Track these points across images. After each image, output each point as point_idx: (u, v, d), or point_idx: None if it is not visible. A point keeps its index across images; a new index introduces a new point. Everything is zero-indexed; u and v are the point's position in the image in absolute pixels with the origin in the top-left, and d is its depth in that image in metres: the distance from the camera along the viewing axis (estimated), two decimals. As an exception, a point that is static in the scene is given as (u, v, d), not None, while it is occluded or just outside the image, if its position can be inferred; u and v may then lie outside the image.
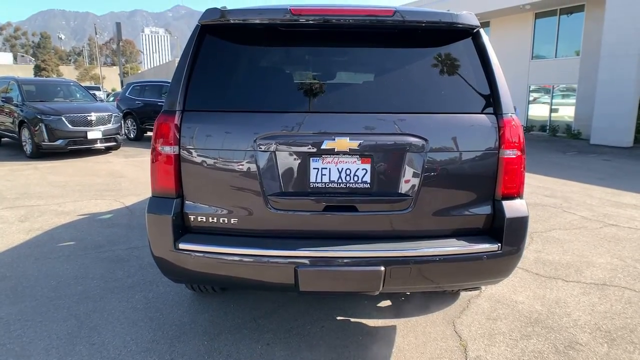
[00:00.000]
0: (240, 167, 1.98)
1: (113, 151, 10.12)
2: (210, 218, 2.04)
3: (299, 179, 1.98)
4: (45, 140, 8.69)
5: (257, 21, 1.97)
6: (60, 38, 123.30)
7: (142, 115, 12.20)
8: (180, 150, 1.99)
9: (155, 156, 2.03)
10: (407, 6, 17.46)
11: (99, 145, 9.41)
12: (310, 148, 1.94)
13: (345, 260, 1.91)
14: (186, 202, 2.04)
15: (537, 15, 19.05)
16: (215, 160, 2.00)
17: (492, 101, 2.04)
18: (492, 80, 2.04)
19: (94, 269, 3.42)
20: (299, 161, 1.96)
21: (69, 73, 71.77)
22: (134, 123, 12.40)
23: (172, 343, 2.43)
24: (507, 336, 2.53)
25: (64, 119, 8.76)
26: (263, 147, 1.94)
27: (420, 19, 1.99)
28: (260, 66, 2.14)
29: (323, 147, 1.92)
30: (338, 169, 1.97)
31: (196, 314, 2.75)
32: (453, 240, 2.02)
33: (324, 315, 2.73)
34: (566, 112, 17.60)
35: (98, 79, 59.69)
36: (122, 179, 7.05)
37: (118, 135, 9.82)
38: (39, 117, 8.68)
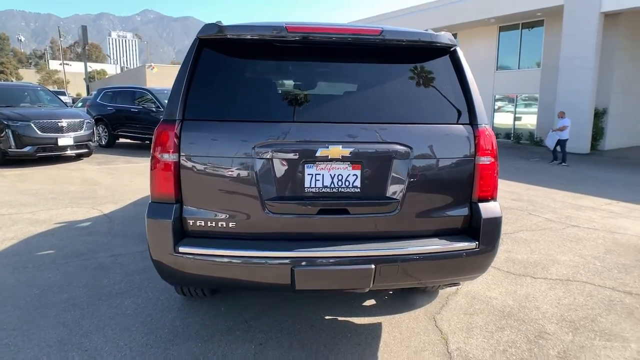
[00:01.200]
0: (239, 173, 2.09)
1: (85, 158, 9.89)
2: (208, 222, 2.13)
3: (295, 184, 2.11)
4: (12, 147, 8.43)
5: (254, 37, 2.09)
6: (20, 40, 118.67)
7: (114, 121, 11.98)
8: (179, 158, 2.08)
9: (155, 163, 2.11)
10: (387, 24, 17.93)
11: (69, 152, 9.19)
12: (305, 155, 2.07)
13: (338, 260, 2.04)
14: (185, 207, 2.13)
15: (501, 29, 19.95)
16: (214, 167, 2.10)
17: (468, 113, 2.24)
18: (467, 93, 2.24)
19: (78, 277, 3.41)
20: (295, 167, 2.09)
21: (29, 77, 69.07)
22: (106, 129, 12.15)
23: (167, 346, 2.48)
24: (483, 329, 2.73)
25: (32, 124, 8.52)
26: (260, 155, 2.06)
27: (402, 38, 2.17)
28: (257, 78, 2.26)
29: (317, 154, 2.06)
30: (331, 174, 2.11)
31: (187, 318, 2.81)
32: (435, 240, 2.19)
33: (312, 315, 2.85)
34: (529, 120, 18.47)
35: (62, 83, 57.71)
36: (97, 186, 6.94)
37: (90, 142, 9.63)
38: (5, 122, 8.41)
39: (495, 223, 2.21)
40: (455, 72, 2.26)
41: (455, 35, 22.29)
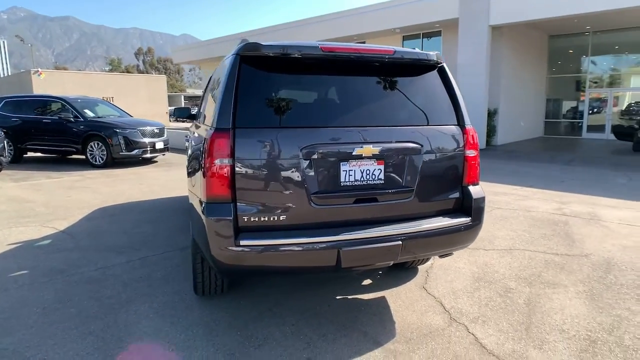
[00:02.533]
0: (287, 173, 2.41)
1: (-7, 176, 8.92)
2: (260, 217, 2.41)
3: (333, 180, 2.48)
4: None
5: (292, 55, 2.44)
6: None
7: (20, 134, 10.88)
8: (234, 162, 2.34)
9: (210, 168, 2.33)
10: (302, 32, 18.43)
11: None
12: (342, 155, 2.46)
13: (373, 239, 2.47)
14: (238, 205, 2.38)
15: (405, 37, 21.87)
16: (264, 169, 2.39)
17: (456, 115, 2.82)
18: (455, 100, 2.82)
19: (75, 292, 3.35)
20: (333, 165, 2.47)
21: None
22: (10, 143, 10.97)
23: (208, 338, 2.68)
24: (464, 291, 3.35)
25: None
26: (306, 156, 2.41)
27: (406, 56, 2.68)
28: (294, 89, 2.59)
29: (354, 153, 2.46)
30: (360, 170, 2.53)
31: (213, 313, 3.00)
32: (440, 218, 2.73)
33: (325, 298, 3.22)
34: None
35: None
36: (31, 204, 6.43)
37: (2, 157, 8.73)
38: None
39: (482, 201, 2.82)
40: (443, 83, 2.82)
41: (363, 42, 23.92)
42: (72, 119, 10.29)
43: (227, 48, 26.42)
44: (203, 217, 2.37)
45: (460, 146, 2.78)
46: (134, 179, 8.69)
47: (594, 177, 8.91)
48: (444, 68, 2.85)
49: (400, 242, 2.51)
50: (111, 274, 3.72)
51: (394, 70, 2.75)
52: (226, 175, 2.33)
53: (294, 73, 2.58)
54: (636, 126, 15.29)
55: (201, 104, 4.34)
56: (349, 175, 2.50)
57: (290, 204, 2.44)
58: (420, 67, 2.80)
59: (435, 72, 2.84)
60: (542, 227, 5.14)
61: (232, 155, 2.33)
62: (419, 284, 3.49)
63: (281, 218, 2.43)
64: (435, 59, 2.81)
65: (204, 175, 2.38)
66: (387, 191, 2.58)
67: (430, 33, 20.89)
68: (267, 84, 2.50)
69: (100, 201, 6.53)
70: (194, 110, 5.20)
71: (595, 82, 20.26)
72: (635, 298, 3.20)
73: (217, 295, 3.23)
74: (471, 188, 2.82)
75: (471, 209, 2.78)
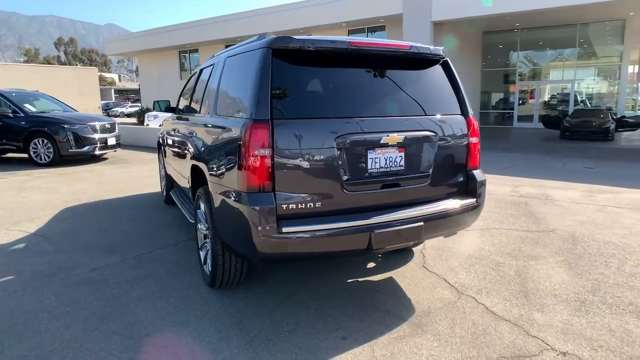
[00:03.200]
0: (322, 162, 2.51)
1: None
2: (298, 205, 2.49)
3: (362, 167, 2.62)
4: None
5: (322, 48, 2.54)
6: None
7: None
8: (273, 152, 2.40)
9: (249, 158, 2.37)
10: (244, 23, 18.18)
11: None
12: (370, 143, 2.61)
13: (400, 221, 2.65)
14: (277, 194, 2.44)
15: (350, 32, 22.31)
16: (301, 158, 2.47)
17: (460, 106, 3.06)
18: (458, 91, 3.06)
19: (78, 294, 3.21)
20: (362, 153, 2.60)
21: None
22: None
23: (240, 327, 2.72)
24: (461, 267, 3.65)
25: None
26: (340, 145, 2.52)
27: (420, 50, 2.86)
28: (325, 82, 2.67)
29: (381, 141, 2.62)
30: (385, 157, 2.69)
31: (234, 303, 3.03)
32: (451, 200, 2.97)
33: (338, 283, 3.37)
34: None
35: None
36: (-17, 207, 5.89)
37: None
38: None
39: (484, 184, 3.10)
40: (448, 75, 3.05)
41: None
42: (10, 114, 9.44)
43: (166, 39, 25.32)
44: (242, 206, 2.41)
45: (465, 134, 3.03)
46: (91, 177, 8.21)
47: (534, 162, 9.81)
48: (448, 62, 3.08)
49: (422, 223, 2.71)
50: (109, 273, 3.58)
51: (409, 63, 2.94)
52: (267, 165, 2.39)
53: (323, 66, 2.68)
54: (561, 116, 16.95)
55: (191, 96, 4.25)
56: (375, 162, 2.66)
57: (325, 192, 2.54)
58: (430, 61, 3.00)
59: (440, 66, 3.05)
60: (507, 207, 5.64)
61: (271, 145, 2.39)
62: (418, 264, 3.74)
63: (317, 205, 2.53)
64: (442, 53, 3.02)
65: (242, 166, 2.41)
66: (407, 176, 2.77)
67: (374, 28, 21.51)
68: (298, 76, 2.58)
69: (62, 201, 6.13)
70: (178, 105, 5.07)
71: (520, 76, 22.01)
72: (604, 264, 3.68)
73: (231, 287, 3.25)
74: (475, 172, 3.09)
75: (476, 191, 3.05)
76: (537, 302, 3.03)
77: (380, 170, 2.69)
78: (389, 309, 2.96)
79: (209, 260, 3.18)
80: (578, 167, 9.02)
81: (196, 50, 29.84)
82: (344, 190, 2.58)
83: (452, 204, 2.93)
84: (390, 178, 2.72)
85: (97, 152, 9.95)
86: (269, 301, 3.07)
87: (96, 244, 4.33)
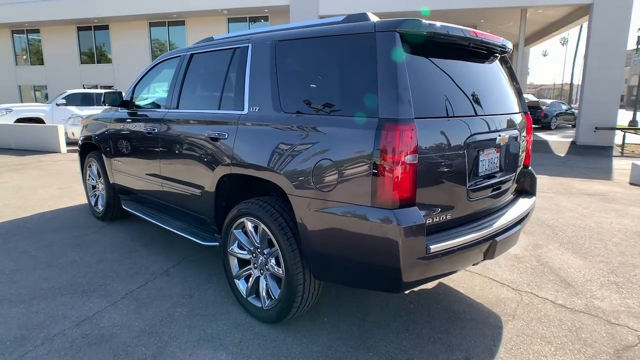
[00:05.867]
0: (455, 166, 2.21)
1: None
2: (433, 218, 2.15)
3: (477, 171, 2.40)
4: None
5: (451, 38, 2.22)
6: None
7: None
8: (417, 159, 2.01)
9: (397, 166, 1.94)
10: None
11: None
12: (486, 144, 2.40)
13: (509, 226, 2.52)
14: (420, 207, 2.07)
15: (230, 20, 21.28)
16: (435, 164, 2.13)
17: (520, 102, 3.04)
18: (519, 87, 3.04)
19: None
20: (476, 156, 2.38)
21: None
22: None
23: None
24: (495, 265, 3.71)
25: None
26: (467, 147, 2.26)
27: (508, 46, 2.74)
28: (447, 75, 2.32)
29: (497, 142, 2.43)
30: (489, 159, 2.51)
31: (315, 340, 2.53)
32: (522, 200, 2.95)
33: (398, 299, 3.10)
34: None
35: None
36: None
37: None
38: None
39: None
40: (509, 71, 2.99)
41: (182, 22, 22.35)
42: None
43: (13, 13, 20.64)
44: (385, 226, 1.98)
45: (526, 130, 3.04)
46: (-47, 191, 6.14)
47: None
48: (507, 56, 3.03)
49: (520, 226, 2.63)
50: (111, 325, 2.67)
51: (499, 59, 2.81)
52: (414, 174, 2.00)
53: (448, 58, 2.35)
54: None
55: (185, 87, 3.39)
56: (483, 164, 2.47)
57: (453, 200, 2.26)
58: (505, 57, 2.90)
59: (503, 61, 2.98)
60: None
61: (417, 151, 2.00)
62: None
63: (448, 217, 2.23)
64: (510, 46, 2.91)
65: (384, 176, 1.97)
66: (503, 178, 2.65)
67: (257, 17, 20.91)
68: (426, 68, 2.21)
69: (-61, 229, 4.43)
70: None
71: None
72: (595, 246, 4.15)
73: (294, 320, 2.72)
74: (531, 169, 3.13)
75: (534, 187, 3.09)
76: (582, 289, 3.23)
77: (486, 173, 2.51)
78: (474, 317, 2.82)
79: (272, 290, 2.59)
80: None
81: (37, 31, 25.11)
82: (469, 197, 2.33)
83: (527, 203, 2.91)
84: (493, 181, 2.56)
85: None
86: (347, 327, 2.65)
87: (52, 284, 3.20)
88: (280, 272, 2.48)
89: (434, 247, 2.05)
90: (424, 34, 2.13)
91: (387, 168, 1.97)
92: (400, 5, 15.47)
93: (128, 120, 3.96)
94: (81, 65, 24.86)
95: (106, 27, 23.88)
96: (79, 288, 3.15)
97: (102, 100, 4.10)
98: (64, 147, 10.50)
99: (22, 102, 23.06)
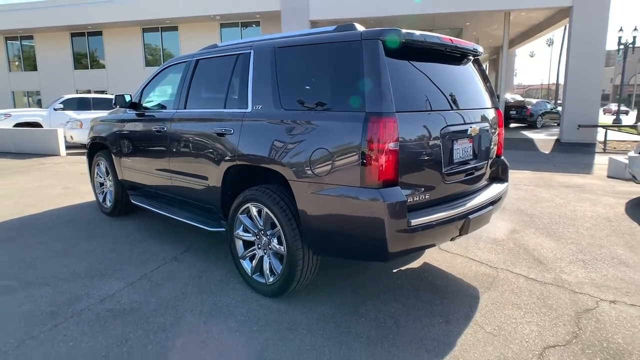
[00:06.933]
0: (430, 153, 2.57)
1: None
2: (414, 197, 2.50)
3: (452, 158, 2.76)
4: None
5: (426, 44, 2.59)
6: None
7: None
8: (398, 145, 2.36)
9: (381, 152, 2.30)
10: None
11: None
12: (459, 135, 2.76)
13: (482, 206, 2.88)
14: (402, 188, 2.42)
15: (222, 25, 21.62)
16: (414, 151, 2.49)
17: (492, 99, 3.41)
18: (490, 86, 3.42)
19: (117, 330, 2.62)
20: (451, 145, 2.74)
21: None
22: None
23: (344, 329, 2.61)
24: (475, 247, 4.07)
25: None
26: (442, 137, 2.62)
27: (480, 50, 3.12)
28: (421, 75, 2.68)
29: (468, 132, 2.80)
30: (462, 148, 2.87)
31: (314, 310, 2.86)
32: (494, 185, 3.32)
33: (385, 276, 3.44)
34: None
35: None
36: None
37: None
38: None
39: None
40: (480, 71, 3.37)
41: (176, 28, 22.61)
42: None
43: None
44: (373, 203, 2.32)
45: (497, 124, 3.41)
46: (-38, 192, 6.40)
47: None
48: (479, 59, 3.40)
49: (492, 207, 3.00)
50: (130, 301, 2.98)
51: (472, 61, 3.20)
52: (396, 159, 2.35)
53: (425, 61, 2.72)
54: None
55: (191, 90, 3.72)
56: (457, 152, 2.83)
57: (431, 183, 2.62)
58: (477, 59, 3.28)
59: (476, 63, 3.36)
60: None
61: (398, 139, 2.36)
62: (434, 248, 4.03)
63: (426, 197, 2.59)
64: (481, 50, 3.29)
65: (371, 161, 2.32)
66: (477, 164, 3.02)
67: (249, 22, 21.27)
68: (404, 70, 2.57)
69: (-44, 225, 4.71)
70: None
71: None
72: (567, 231, 4.53)
73: (292, 294, 3.04)
74: (503, 158, 3.50)
75: (507, 174, 3.46)
76: (552, 266, 3.60)
77: (460, 160, 2.87)
78: (454, 289, 3.17)
79: (274, 267, 2.92)
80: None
81: (31, 37, 25.30)
82: (444, 180, 2.69)
83: (500, 187, 3.28)
84: (466, 167, 2.92)
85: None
86: (341, 299, 2.99)
87: (72, 270, 3.51)
88: (282, 249, 2.82)
89: (415, 221, 2.41)
90: (403, 41, 2.49)
91: (373, 154, 2.32)
92: (385, 11, 15.85)
93: (137, 120, 4.28)
94: (75, 70, 25.02)
95: (100, 33, 24.09)
96: (96, 272, 3.46)
97: (113, 102, 4.42)
98: (63, 150, 10.74)
99: (15, 108, 23.14)
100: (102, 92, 23.53)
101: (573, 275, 3.42)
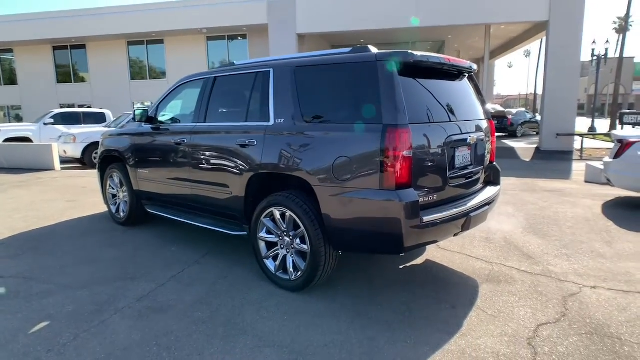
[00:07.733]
0: (438, 160, 2.97)
1: None
2: (424, 198, 2.88)
3: (455, 163, 3.16)
4: None
5: (430, 64, 3.00)
6: None
7: None
8: (412, 153, 2.75)
9: (396, 159, 2.68)
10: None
11: None
12: (461, 143, 3.17)
13: (481, 205, 3.29)
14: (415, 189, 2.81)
15: (209, 38, 21.94)
16: (425, 157, 2.88)
17: (484, 110, 3.85)
18: (482, 98, 3.86)
19: (160, 325, 2.90)
20: (453, 152, 3.14)
21: None
22: None
23: (368, 317, 2.95)
24: (470, 245, 4.48)
25: None
26: (448, 145, 3.02)
27: (474, 68, 3.56)
28: (426, 90, 3.09)
29: (468, 141, 3.21)
30: (462, 155, 3.28)
31: (334, 301, 3.19)
32: (489, 188, 3.74)
33: (392, 273, 3.81)
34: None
35: None
36: None
37: None
38: None
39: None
40: (474, 86, 3.80)
41: (161, 41, 22.80)
42: None
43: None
44: (390, 203, 2.69)
45: (490, 133, 3.84)
46: (-30, 206, 6.52)
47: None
48: (474, 75, 3.84)
49: (488, 207, 3.41)
50: (165, 300, 3.26)
51: (467, 77, 3.65)
52: (410, 164, 2.73)
53: (430, 78, 3.15)
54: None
55: (210, 106, 4.05)
56: (458, 159, 3.23)
57: (437, 186, 3.02)
58: (472, 75, 3.72)
59: (470, 79, 3.79)
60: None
61: (411, 147, 2.74)
62: (432, 246, 4.42)
63: (434, 198, 2.98)
64: (475, 68, 3.73)
65: (389, 166, 2.69)
66: (474, 170, 3.43)
67: (235, 35, 21.65)
68: (414, 87, 2.97)
69: (-24, 237, 4.88)
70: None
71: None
72: (552, 230, 4.99)
73: (313, 289, 3.37)
74: (495, 164, 3.93)
75: (499, 179, 3.89)
76: (540, 260, 4.02)
77: (461, 165, 3.27)
78: (456, 281, 3.56)
79: (298, 264, 3.24)
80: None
81: (10, 50, 25.11)
82: (449, 183, 3.09)
83: (494, 190, 3.70)
84: (467, 172, 3.33)
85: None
86: (358, 291, 3.33)
87: (102, 275, 3.76)
88: (306, 247, 3.15)
89: (426, 219, 2.79)
90: (412, 62, 2.89)
91: (390, 160, 2.70)
92: (370, 24, 16.38)
93: (155, 133, 4.57)
94: (57, 84, 24.88)
95: (83, 46, 24.08)
96: (127, 276, 3.73)
97: (132, 117, 4.69)
98: (58, 165, 10.83)
99: (-2, 123, 22.87)
100: (87, 106, 23.44)
101: (559, 266, 3.84)
